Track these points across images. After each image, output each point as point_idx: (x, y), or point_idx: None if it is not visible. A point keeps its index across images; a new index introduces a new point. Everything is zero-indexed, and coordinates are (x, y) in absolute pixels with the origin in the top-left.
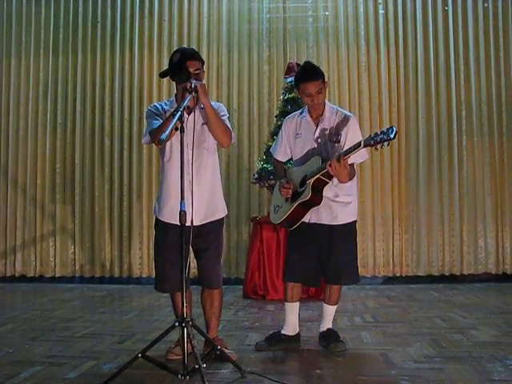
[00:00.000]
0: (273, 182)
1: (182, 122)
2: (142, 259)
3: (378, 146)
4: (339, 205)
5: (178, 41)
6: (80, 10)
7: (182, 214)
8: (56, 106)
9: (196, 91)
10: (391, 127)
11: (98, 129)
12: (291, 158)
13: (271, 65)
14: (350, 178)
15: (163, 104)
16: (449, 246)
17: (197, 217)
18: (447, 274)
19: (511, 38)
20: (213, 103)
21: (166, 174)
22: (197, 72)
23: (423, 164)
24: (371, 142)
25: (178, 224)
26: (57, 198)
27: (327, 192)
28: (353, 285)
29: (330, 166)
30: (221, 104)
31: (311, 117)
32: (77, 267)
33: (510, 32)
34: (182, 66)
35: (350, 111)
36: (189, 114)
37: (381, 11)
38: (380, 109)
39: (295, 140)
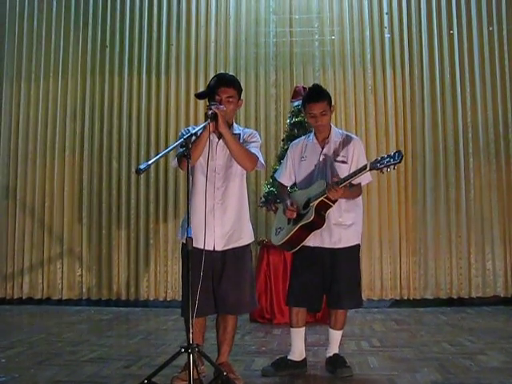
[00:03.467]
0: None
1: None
2: (149, 282)
3: (384, 170)
4: (342, 228)
5: (185, 65)
6: (89, 34)
7: (189, 240)
8: (64, 129)
9: (216, 119)
10: (398, 151)
11: (105, 152)
12: (295, 184)
13: (278, 88)
14: (356, 196)
15: (196, 127)
16: (456, 268)
17: (219, 242)
18: (455, 297)
19: None
20: (247, 130)
21: (190, 198)
22: (229, 100)
23: (430, 186)
24: (377, 165)
25: (201, 248)
26: (64, 220)
27: (331, 215)
28: (356, 309)
29: (330, 190)
30: (253, 131)
31: (317, 139)
32: (84, 290)
33: None
34: (214, 92)
35: (356, 134)
36: (219, 139)
37: (386, 35)
38: (386, 131)
39: (300, 163)
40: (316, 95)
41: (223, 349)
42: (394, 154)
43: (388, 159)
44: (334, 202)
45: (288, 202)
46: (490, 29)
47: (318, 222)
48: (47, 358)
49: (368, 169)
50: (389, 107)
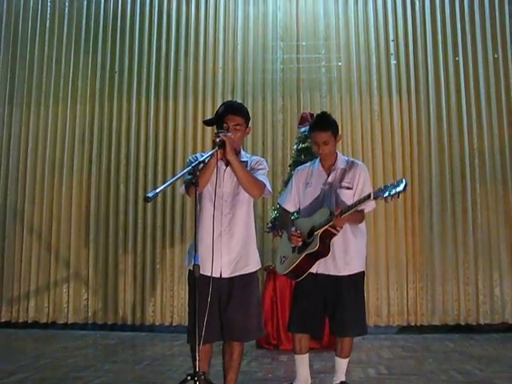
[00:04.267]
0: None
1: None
2: (155, 307)
3: (389, 199)
4: (347, 255)
5: (193, 89)
6: (98, 59)
7: (195, 267)
8: (73, 153)
9: (223, 146)
10: (402, 180)
11: (113, 176)
12: (298, 210)
13: (285, 114)
14: (359, 222)
15: (204, 154)
16: (464, 294)
17: (226, 269)
18: (463, 323)
19: None
20: (254, 157)
21: (198, 225)
22: (236, 128)
23: (437, 212)
24: (381, 194)
25: (207, 275)
26: (71, 243)
27: (335, 242)
28: (361, 336)
29: (335, 220)
30: (261, 158)
31: (323, 166)
32: (90, 314)
33: None
34: (222, 119)
35: (363, 160)
36: (227, 166)
37: (393, 62)
38: (393, 157)
39: (305, 190)
40: (320, 124)
41: (229, 376)
42: (398, 182)
43: (392, 188)
44: (339, 230)
45: (293, 229)
46: (496, 56)
47: (323, 251)
48: None
49: (372, 198)
50: (395, 133)
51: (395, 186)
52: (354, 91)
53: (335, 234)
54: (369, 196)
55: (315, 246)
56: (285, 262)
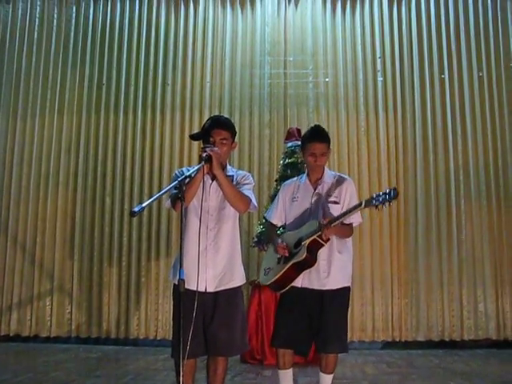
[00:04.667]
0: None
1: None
2: (140, 320)
3: (380, 206)
4: (332, 270)
5: (180, 103)
6: (86, 72)
7: (181, 282)
8: (58, 165)
9: (210, 161)
10: (393, 188)
11: (99, 188)
12: (283, 226)
13: (272, 129)
14: (347, 236)
15: (190, 168)
16: (448, 310)
17: (211, 283)
18: (447, 339)
19: (505, 105)
20: (240, 172)
21: (183, 239)
22: (223, 142)
23: (422, 228)
24: (372, 202)
25: (193, 289)
26: (56, 256)
27: (321, 256)
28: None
29: (323, 229)
30: (247, 173)
31: (310, 180)
32: (73, 327)
33: (504, 99)
34: (209, 133)
35: (349, 175)
36: (213, 180)
37: (379, 78)
38: (379, 173)
39: (291, 204)
40: (320, 135)
41: None
42: (390, 190)
43: (383, 196)
44: (327, 241)
45: (279, 241)
46: (480, 74)
47: (310, 261)
48: None
49: (363, 206)
50: (381, 149)
51: (386, 194)
52: (340, 107)
53: (322, 245)
54: (360, 204)
55: (302, 255)
56: (269, 273)
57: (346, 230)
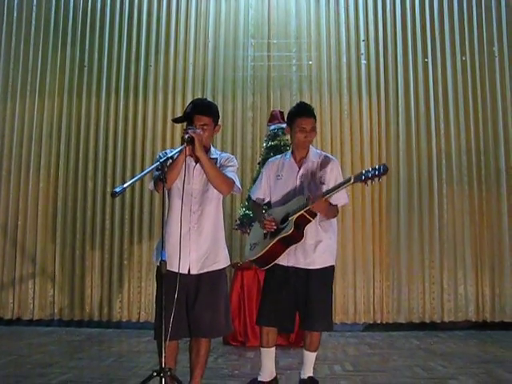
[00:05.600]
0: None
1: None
2: (122, 303)
3: (369, 182)
4: (317, 249)
5: (163, 86)
6: (67, 53)
7: (163, 263)
8: (40, 148)
9: (192, 142)
10: (383, 164)
11: (81, 171)
12: (269, 203)
13: (255, 112)
14: (333, 216)
15: (173, 150)
16: (429, 293)
17: (194, 266)
18: (428, 321)
19: (488, 89)
20: (224, 154)
21: (166, 221)
22: (203, 127)
23: (404, 211)
24: (362, 177)
25: (175, 271)
26: (38, 239)
27: (306, 236)
28: (327, 331)
29: (314, 202)
30: (231, 155)
31: (295, 159)
32: (56, 310)
33: (486, 84)
34: (190, 118)
35: None
36: (196, 163)
37: (363, 62)
38: (361, 156)
39: (276, 182)
40: (308, 110)
41: (196, 372)
42: (379, 166)
43: (373, 171)
44: (314, 216)
45: (266, 215)
46: (463, 59)
47: (297, 236)
48: (16, 382)
49: (352, 181)
50: (364, 133)
51: (375, 169)
52: (324, 90)
53: (310, 221)
54: (349, 179)
55: (289, 230)
56: (255, 248)
57: (332, 211)
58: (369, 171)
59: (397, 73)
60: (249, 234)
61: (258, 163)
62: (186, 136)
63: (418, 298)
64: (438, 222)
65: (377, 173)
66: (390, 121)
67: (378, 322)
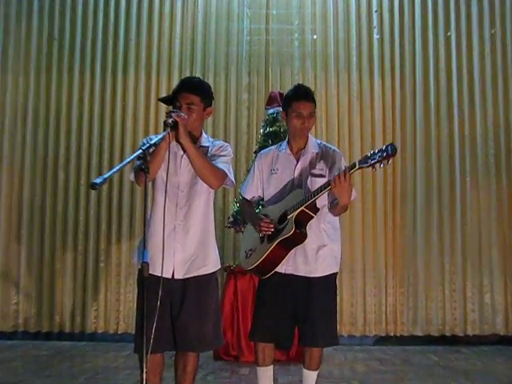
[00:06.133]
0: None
1: (169, 160)
2: (98, 312)
3: (376, 165)
4: (320, 254)
5: (146, 63)
6: (34, 24)
7: (144, 266)
8: (2, 133)
9: (176, 128)
10: (390, 144)
11: (51, 160)
12: (261, 201)
13: (251, 93)
14: (345, 209)
15: (159, 136)
16: (450, 302)
17: (180, 269)
18: (448, 334)
19: None
20: (217, 142)
21: (149, 218)
22: (190, 107)
23: (421, 208)
24: (367, 161)
25: (158, 275)
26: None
27: (308, 239)
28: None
29: (335, 181)
30: (225, 143)
31: (291, 150)
32: (20, 321)
33: None
34: (175, 97)
35: (339, 147)
36: (184, 151)
37: (375, 36)
38: (373, 145)
39: (270, 177)
40: (306, 93)
41: None
42: (386, 147)
43: (380, 153)
44: (316, 211)
45: (262, 216)
46: (492, 31)
47: (299, 237)
48: None
49: (357, 167)
50: (376, 118)
51: (382, 151)
52: (330, 68)
53: (311, 217)
54: (353, 165)
55: (290, 231)
56: (252, 256)
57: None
58: (375, 153)
59: (414, 48)
60: (243, 232)
61: (255, 152)
62: (170, 120)
63: (438, 307)
64: (461, 220)
65: (384, 154)
66: (406, 103)
67: (391, 334)
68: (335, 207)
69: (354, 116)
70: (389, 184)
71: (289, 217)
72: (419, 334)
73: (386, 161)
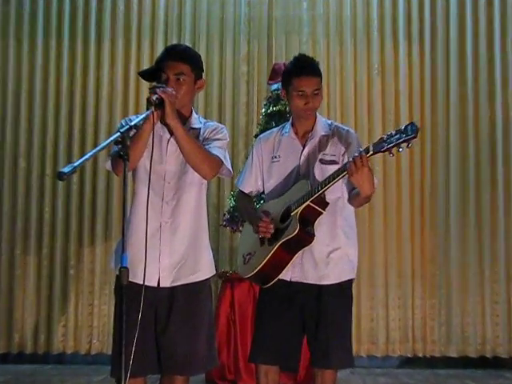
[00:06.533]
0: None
1: (152, 145)
2: (67, 328)
3: (394, 150)
4: (332, 257)
5: (124, 29)
6: None
7: (123, 271)
8: None
9: (161, 106)
10: (411, 123)
11: (9, 147)
12: (260, 195)
13: (250, 66)
14: (367, 200)
15: (140, 116)
16: (491, 316)
17: (167, 276)
18: (489, 355)
19: None
20: (210, 123)
21: (128, 215)
22: (179, 79)
23: (455, 205)
24: (384, 145)
25: (139, 283)
26: None
27: (318, 240)
28: (347, 368)
29: (351, 166)
30: (220, 125)
31: (296, 133)
32: None
33: None
34: (161, 68)
35: (356, 130)
36: (171, 134)
37: None
38: (397, 127)
39: (271, 166)
40: (309, 67)
41: None
42: (406, 127)
43: (397, 135)
44: (325, 206)
45: (261, 214)
46: None
47: (305, 237)
48: None
49: (371, 151)
50: (401, 95)
51: (401, 132)
52: (346, 35)
53: (320, 213)
54: (367, 150)
55: (294, 230)
56: (250, 261)
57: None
58: (392, 135)
59: (448, 10)
60: (241, 231)
61: (255, 136)
62: (154, 97)
63: (476, 322)
64: (504, 218)
65: (404, 136)
66: (437, 76)
67: (420, 355)
68: (355, 198)
69: (375, 92)
70: (416, 174)
71: (292, 213)
72: (453, 354)
73: (405, 144)
